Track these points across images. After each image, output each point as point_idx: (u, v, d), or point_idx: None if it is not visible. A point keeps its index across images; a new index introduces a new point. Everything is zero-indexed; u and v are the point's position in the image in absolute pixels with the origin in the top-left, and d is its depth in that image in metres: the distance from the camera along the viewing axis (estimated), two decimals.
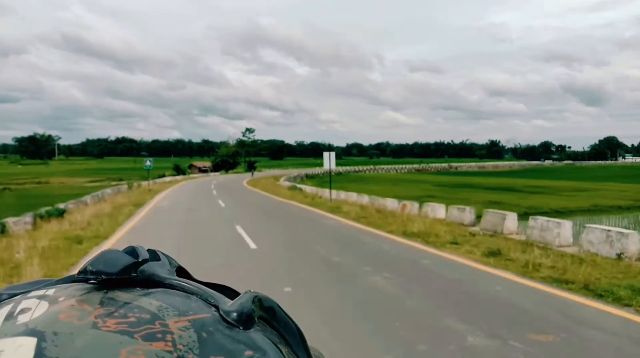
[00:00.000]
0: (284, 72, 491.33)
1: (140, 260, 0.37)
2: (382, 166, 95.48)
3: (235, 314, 0.32)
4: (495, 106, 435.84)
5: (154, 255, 0.40)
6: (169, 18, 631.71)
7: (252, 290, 0.37)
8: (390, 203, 16.30)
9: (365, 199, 18.83)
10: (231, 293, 0.41)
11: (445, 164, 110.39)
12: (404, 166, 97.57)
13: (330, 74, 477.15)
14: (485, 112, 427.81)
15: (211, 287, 0.40)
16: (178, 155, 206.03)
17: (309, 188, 26.99)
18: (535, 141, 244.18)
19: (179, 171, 73.15)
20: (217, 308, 0.33)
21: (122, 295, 0.33)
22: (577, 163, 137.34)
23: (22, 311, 0.30)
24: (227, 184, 41.66)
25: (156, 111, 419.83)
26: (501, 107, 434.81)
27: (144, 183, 37.69)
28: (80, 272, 0.35)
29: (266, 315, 0.34)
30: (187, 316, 0.31)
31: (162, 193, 28.92)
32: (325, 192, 22.74)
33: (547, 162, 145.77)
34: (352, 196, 19.96)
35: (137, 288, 0.35)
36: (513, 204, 31.64)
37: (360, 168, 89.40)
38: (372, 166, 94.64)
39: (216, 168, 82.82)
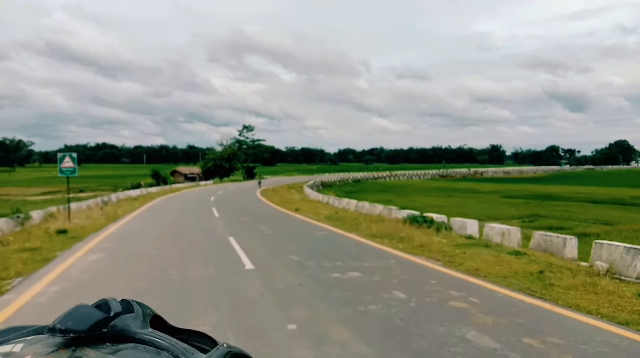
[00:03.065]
0: (271, 79, 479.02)
1: (112, 314, 0.35)
2: (402, 172, 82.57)
3: None
4: (481, 112, 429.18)
5: (127, 306, 0.37)
6: (154, 25, 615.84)
7: (225, 344, 0.36)
8: None
9: None
10: (209, 342, 0.39)
11: (465, 170, 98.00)
12: (424, 171, 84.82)
13: (316, 81, 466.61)
14: (471, 119, 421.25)
15: (188, 334, 0.38)
16: (162, 162, 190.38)
17: (473, 225, 12.05)
18: (522, 147, 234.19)
19: (158, 179, 58.58)
20: None
21: (90, 353, 0.32)
22: (597, 168, 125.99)
23: None
24: (242, 204, 23.03)
25: (141, 118, 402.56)
26: (487, 113, 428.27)
27: (63, 209, 17.40)
28: (49, 329, 0.34)
29: None
30: None
31: (85, 243, 10.81)
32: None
33: (567, 167, 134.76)
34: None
35: (107, 344, 0.34)
36: None
37: (379, 174, 76.38)
38: (388, 173, 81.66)
39: (207, 174, 68.30)
